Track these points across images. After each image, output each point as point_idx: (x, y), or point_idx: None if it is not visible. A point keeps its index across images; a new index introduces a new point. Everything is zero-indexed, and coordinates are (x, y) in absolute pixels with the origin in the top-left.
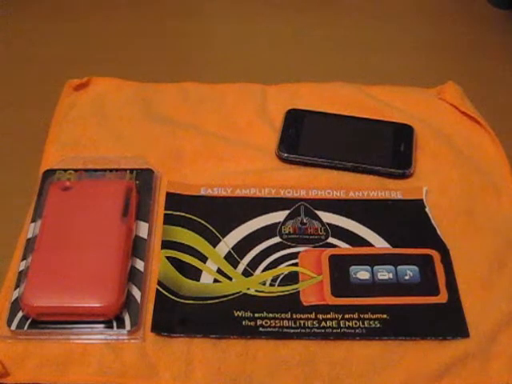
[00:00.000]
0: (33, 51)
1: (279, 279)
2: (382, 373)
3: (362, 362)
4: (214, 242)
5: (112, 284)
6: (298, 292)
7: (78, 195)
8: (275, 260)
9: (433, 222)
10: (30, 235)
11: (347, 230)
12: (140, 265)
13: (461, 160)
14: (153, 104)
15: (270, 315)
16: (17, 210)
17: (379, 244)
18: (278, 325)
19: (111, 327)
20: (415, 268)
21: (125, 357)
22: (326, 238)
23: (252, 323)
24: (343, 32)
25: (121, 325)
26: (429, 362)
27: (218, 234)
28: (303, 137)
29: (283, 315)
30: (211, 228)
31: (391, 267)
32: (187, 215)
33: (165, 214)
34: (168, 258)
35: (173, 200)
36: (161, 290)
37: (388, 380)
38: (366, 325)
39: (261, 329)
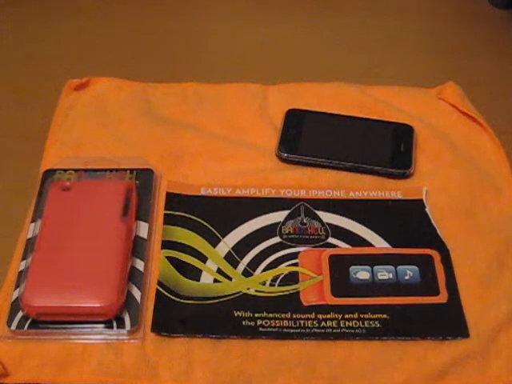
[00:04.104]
0: (33, 50)
1: (279, 279)
2: (381, 373)
3: (362, 361)
4: (214, 242)
5: (112, 284)
6: (298, 292)
7: (78, 195)
8: (275, 260)
9: (433, 222)
10: (30, 235)
11: (347, 230)
12: (140, 265)
13: (461, 160)
14: (153, 104)
15: (270, 315)
16: (17, 209)
17: (379, 244)
18: (278, 325)
19: (111, 327)
20: (415, 268)
21: (125, 357)
22: (326, 238)
23: (252, 323)
24: (343, 32)
25: (121, 325)
26: (429, 361)
27: (217, 234)
28: (303, 137)
29: (283, 315)
30: (211, 228)
31: (391, 267)
32: (187, 215)
33: (165, 214)
34: (168, 258)
35: (173, 200)
36: (161, 289)
37: (388, 380)
38: (366, 325)
39: (261, 329)
